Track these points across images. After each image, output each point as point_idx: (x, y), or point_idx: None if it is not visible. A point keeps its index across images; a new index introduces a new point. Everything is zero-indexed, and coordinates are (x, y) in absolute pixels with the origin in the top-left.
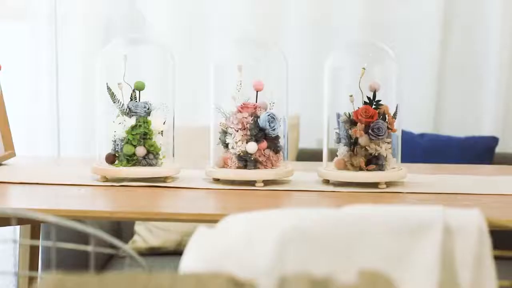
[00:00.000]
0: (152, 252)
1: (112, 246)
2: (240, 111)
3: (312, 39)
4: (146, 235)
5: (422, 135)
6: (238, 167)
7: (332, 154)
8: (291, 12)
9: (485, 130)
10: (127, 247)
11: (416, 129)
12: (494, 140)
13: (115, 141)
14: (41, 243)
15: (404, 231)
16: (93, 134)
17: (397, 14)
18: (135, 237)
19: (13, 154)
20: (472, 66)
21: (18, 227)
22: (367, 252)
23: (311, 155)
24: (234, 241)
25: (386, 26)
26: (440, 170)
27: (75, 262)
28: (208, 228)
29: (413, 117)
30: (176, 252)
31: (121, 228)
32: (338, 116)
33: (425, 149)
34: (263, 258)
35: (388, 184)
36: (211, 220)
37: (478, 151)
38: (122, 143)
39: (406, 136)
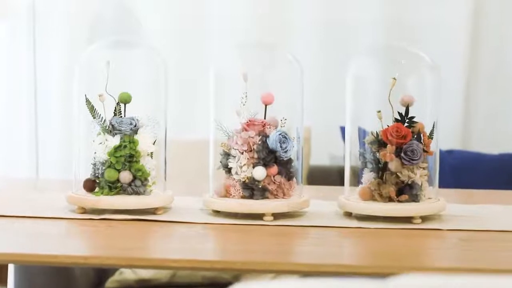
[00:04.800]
0: (142, 285)
1: None
2: (246, 129)
3: (324, 42)
4: None
5: (449, 152)
6: (243, 197)
7: (353, 174)
8: (299, 11)
9: None
10: None
11: (442, 145)
12: None
13: (95, 164)
14: None
15: None
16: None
17: (419, 15)
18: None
19: None
20: (505, 73)
21: None
22: None
23: (323, 173)
24: None
25: (407, 27)
26: (476, 198)
27: None
28: None
29: (439, 131)
30: (170, 285)
31: None
32: (364, 134)
33: (453, 168)
34: None
35: (424, 218)
36: (209, 268)
37: None
38: (104, 167)
39: None
